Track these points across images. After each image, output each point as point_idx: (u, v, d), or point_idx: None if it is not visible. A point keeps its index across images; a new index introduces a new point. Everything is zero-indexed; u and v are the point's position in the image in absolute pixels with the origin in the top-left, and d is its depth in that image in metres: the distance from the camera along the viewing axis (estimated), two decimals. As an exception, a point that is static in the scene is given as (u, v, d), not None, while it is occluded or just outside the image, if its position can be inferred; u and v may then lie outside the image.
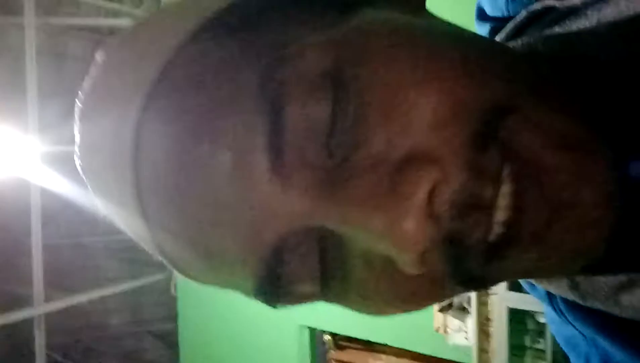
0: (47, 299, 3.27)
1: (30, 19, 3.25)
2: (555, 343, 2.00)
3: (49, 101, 3.92)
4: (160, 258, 0.30)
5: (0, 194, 3.52)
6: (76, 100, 0.30)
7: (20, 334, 4.20)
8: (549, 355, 2.03)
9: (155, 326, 5.30)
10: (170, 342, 4.81)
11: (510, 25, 0.38)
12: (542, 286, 0.36)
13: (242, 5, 0.28)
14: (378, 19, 0.28)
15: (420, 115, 0.24)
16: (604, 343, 0.33)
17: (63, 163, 3.70)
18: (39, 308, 3.23)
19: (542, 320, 2.04)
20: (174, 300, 3.48)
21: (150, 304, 5.20)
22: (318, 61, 0.24)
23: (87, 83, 0.30)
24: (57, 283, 3.89)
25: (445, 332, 2.35)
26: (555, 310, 0.37)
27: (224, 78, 0.25)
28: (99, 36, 4.65)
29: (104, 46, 0.30)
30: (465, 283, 0.26)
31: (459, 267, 0.25)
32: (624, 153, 0.27)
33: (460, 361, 2.40)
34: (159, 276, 3.66)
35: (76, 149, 0.30)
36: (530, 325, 2.10)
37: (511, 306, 2.01)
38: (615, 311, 0.30)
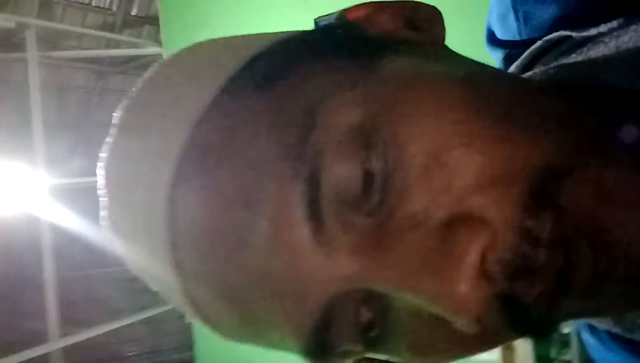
0: (63, 334, 3.25)
1: (32, 53, 3.27)
2: (581, 353, 1.96)
3: (55, 134, 3.95)
4: (193, 318, 0.29)
5: (11, 230, 3.54)
6: (100, 165, 0.30)
7: (37, 370, 4.19)
8: (576, 366, 1.99)
9: (172, 355, 5.29)
10: (187, 370, 4.78)
11: (525, 55, 0.37)
12: (586, 320, 0.35)
13: (263, 61, 0.27)
14: (402, 69, 0.27)
15: (462, 173, 0.23)
16: None
17: (71, 195, 3.72)
18: (55, 343, 3.20)
19: (566, 330, 2.00)
20: (189, 328, 3.45)
21: (165, 333, 5.19)
22: (348, 122, 0.24)
23: (108, 148, 0.29)
24: (71, 317, 3.88)
25: (468, 346, 2.31)
26: (598, 340, 0.36)
27: (252, 142, 0.24)
28: (100, 66, 4.71)
29: (122, 107, 0.29)
30: (524, 333, 0.26)
31: (518, 323, 0.25)
32: None
33: (485, 376, 2.35)
34: (172, 305, 3.63)
35: (104, 214, 0.29)
36: (555, 336, 2.06)
37: (534, 317, 1.97)
38: None
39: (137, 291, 4.57)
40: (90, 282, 4.66)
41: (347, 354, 0.27)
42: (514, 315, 0.24)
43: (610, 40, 0.31)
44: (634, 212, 0.24)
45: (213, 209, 0.24)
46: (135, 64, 4.58)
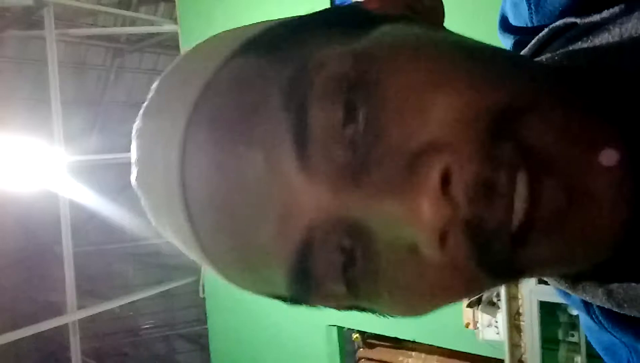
0: (80, 306, 3.34)
1: (50, 31, 3.30)
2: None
3: (72, 111, 3.99)
4: (201, 260, 0.32)
5: (30, 206, 3.61)
6: (135, 122, 0.33)
7: (55, 341, 4.30)
8: (583, 347, 2.00)
9: (185, 329, 5.39)
10: (201, 344, 4.87)
11: (533, 42, 0.39)
12: (577, 295, 0.35)
13: (271, 32, 0.31)
14: (396, 31, 0.30)
15: (435, 112, 0.25)
16: None
17: (89, 172, 3.78)
18: (73, 315, 3.29)
19: (574, 312, 2.01)
20: (202, 302, 3.52)
21: (179, 308, 5.29)
22: (337, 67, 0.27)
23: (143, 107, 0.33)
24: (88, 290, 3.97)
25: (476, 327, 2.33)
26: (592, 318, 0.36)
27: (254, 88, 0.28)
28: (117, 44, 4.73)
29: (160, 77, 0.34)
30: (492, 272, 0.27)
31: (483, 253, 0.25)
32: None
33: (492, 357, 2.38)
34: (186, 280, 3.70)
35: (132, 165, 0.33)
36: (563, 318, 2.06)
37: (542, 299, 1.97)
38: None
39: (152, 266, 4.66)
40: (107, 257, 4.74)
41: (330, 297, 0.29)
42: (478, 245, 0.25)
43: (614, 27, 0.32)
44: (587, 150, 0.25)
45: (217, 144, 0.28)
46: (152, 42, 4.60)
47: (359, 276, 0.28)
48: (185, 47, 3.33)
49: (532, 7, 0.40)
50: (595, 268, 0.32)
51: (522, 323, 2.14)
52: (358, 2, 0.34)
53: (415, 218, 0.24)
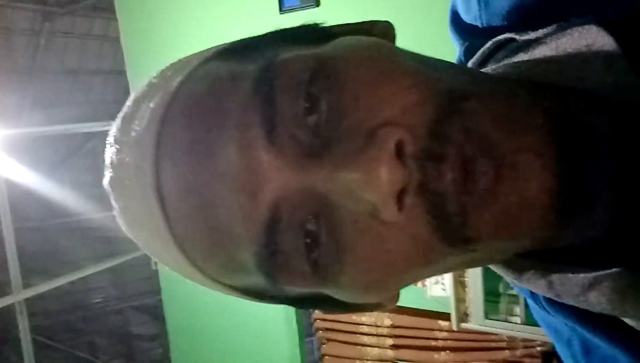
0: (26, 285, 3.24)
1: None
2: (528, 287, 2.07)
3: (1, 81, 3.75)
4: (170, 250, 0.32)
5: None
6: (111, 130, 0.35)
7: (2, 321, 4.18)
8: (521, 298, 2.12)
9: (139, 301, 5.33)
10: (155, 314, 4.84)
11: (479, 53, 0.42)
12: (522, 285, 0.39)
13: (238, 43, 0.35)
14: (355, 38, 0.34)
15: (389, 98, 0.29)
16: (581, 330, 0.38)
17: (23, 146, 3.59)
18: (18, 295, 3.20)
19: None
20: (155, 274, 3.48)
21: (132, 280, 5.21)
22: (300, 64, 0.30)
23: (118, 117, 0.35)
24: (34, 268, 3.84)
25: (424, 285, 2.43)
26: (536, 303, 0.40)
27: (227, 81, 0.31)
28: (45, 7, 4.43)
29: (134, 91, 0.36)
30: (445, 238, 0.29)
31: (436, 215, 0.28)
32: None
33: (440, 311, 2.49)
34: (137, 253, 3.64)
35: (105, 169, 0.34)
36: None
37: (484, 255, 2.06)
38: (587, 307, 0.34)
39: (99, 240, 4.55)
40: (51, 233, 4.58)
41: (297, 278, 0.31)
42: (430, 206, 0.28)
43: (551, 41, 0.35)
44: (518, 133, 0.29)
45: (192, 129, 0.30)
46: (83, 4, 4.34)
47: (323, 255, 0.30)
48: (120, 10, 3.15)
49: (482, 4, 0.42)
50: (539, 257, 0.35)
51: (466, 279, 2.25)
52: (317, 22, 0.37)
53: (375, 182, 0.27)
